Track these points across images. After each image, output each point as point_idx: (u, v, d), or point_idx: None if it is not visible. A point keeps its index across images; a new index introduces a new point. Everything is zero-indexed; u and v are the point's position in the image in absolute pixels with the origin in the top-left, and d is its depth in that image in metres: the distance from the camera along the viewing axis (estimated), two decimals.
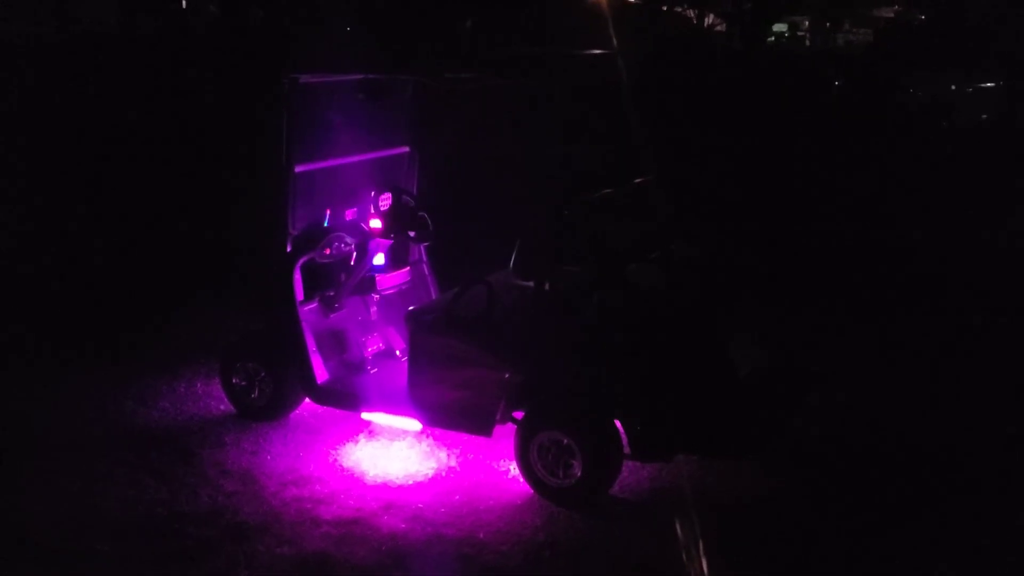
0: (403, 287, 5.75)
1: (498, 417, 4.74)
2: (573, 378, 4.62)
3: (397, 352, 5.63)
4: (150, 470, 4.99)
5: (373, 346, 5.57)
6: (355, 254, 5.50)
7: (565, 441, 4.56)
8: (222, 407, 5.73)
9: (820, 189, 9.67)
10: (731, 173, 8.64)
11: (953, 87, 17.89)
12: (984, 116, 17.58)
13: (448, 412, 4.85)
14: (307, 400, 5.52)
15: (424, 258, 5.97)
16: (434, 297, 6.05)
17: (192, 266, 8.24)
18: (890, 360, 6.48)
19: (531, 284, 4.69)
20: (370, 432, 5.38)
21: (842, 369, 6.16)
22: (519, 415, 4.78)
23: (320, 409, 5.53)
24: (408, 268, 5.79)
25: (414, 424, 5.04)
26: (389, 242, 5.42)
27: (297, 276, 5.27)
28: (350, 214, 5.63)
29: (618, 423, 4.59)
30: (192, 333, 6.94)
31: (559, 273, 4.67)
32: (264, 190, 5.38)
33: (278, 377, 5.42)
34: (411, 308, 4.99)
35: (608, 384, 4.54)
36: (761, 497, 4.69)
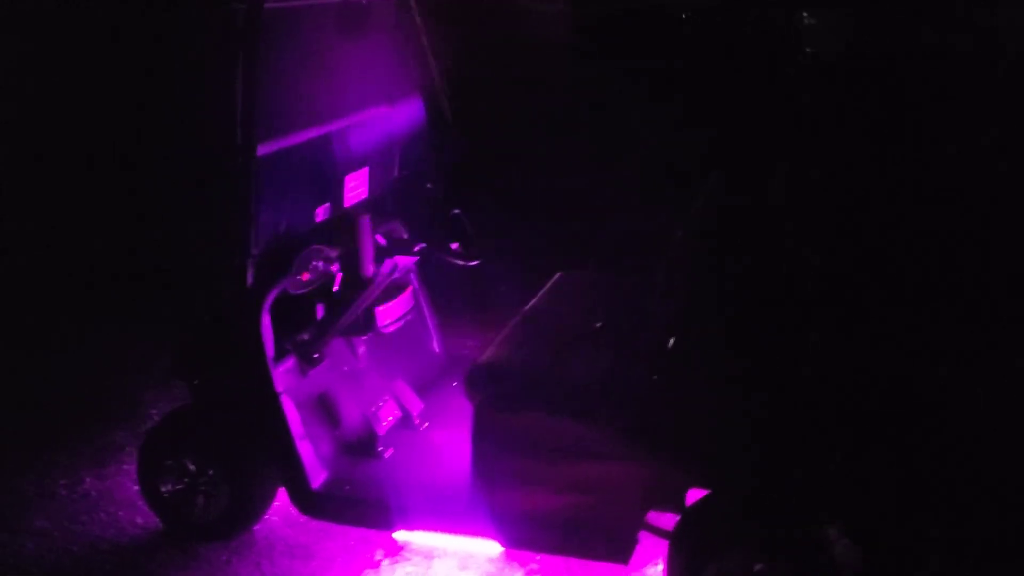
0: (408, 317, 3.85)
1: (638, 534, 3.03)
2: (770, 471, 2.94)
3: (415, 417, 3.77)
4: None
5: (387, 415, 3.68)
6: (340, 275, 3.57)
7: (759, 568, 2.91)
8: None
9: None
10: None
11: None
12: None
13: (552, 528, 3.08)
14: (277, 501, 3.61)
15: (414, 271, 4.08)
16: (432, 330, 4.21)
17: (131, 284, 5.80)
18: None
19: (688, 323, 2.96)
20: (392, 549, 3.52)
21: None
22: (658, 516, 3.10)
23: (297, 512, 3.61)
24: (410, 290, 3.88)
25: (490, 547, 3.24)
26: (411, 260, 3.51)
27: (266, 322, 3.30)
28: (322, 213, 3.67)
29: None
30: (122, 380, 4.73)
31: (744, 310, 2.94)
32: (206, 187, 3.36)
33: (239, 478, 3.46)
34: (474, 366, 3.15)
35: (826, 475, 2.91)
36: None
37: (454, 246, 3.50)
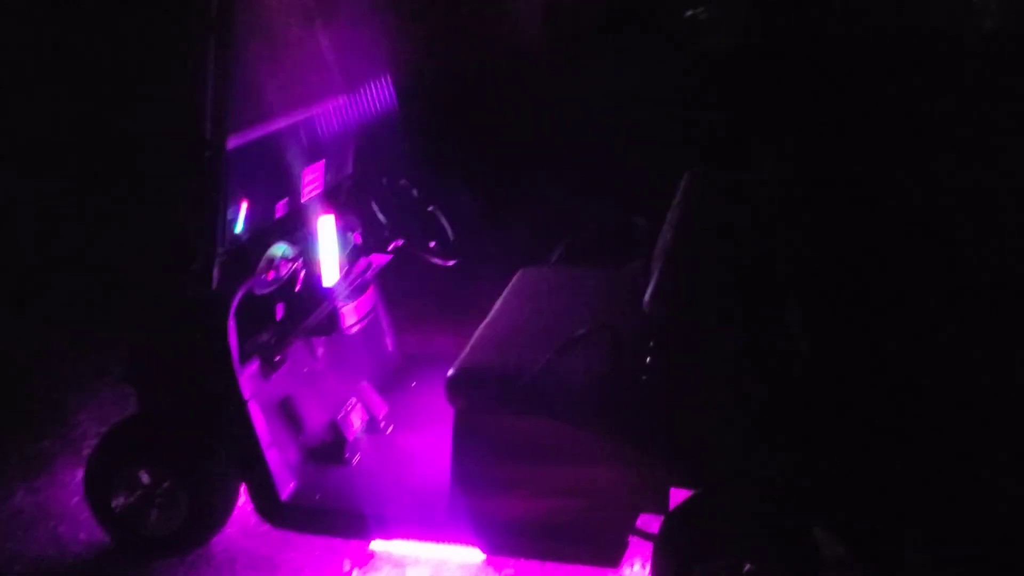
0: (370, 316, 3.72)
1: (628, 536, 3.00)
2: (759, 470, 2.94)
3: (380, 420, 3.64)
4: None
5: (356, 419, 3.54)
6: (303, 272, 3.42)
7: (747, 567, 2.91)
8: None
9: None
10: None
11: None
12: None
13: (539, 534, 3.01)
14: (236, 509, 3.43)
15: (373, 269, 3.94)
16: (385, 328, 4.08)
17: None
18: None
19: (683, 324, 2.92)
20: (361, 558, 3.39)
21: None
22: (646, 518, 3.07)
23: (258, 520, 3.45)
24: (372, 288, 3.75)
25: (466, 554, 3.15)
26: (386, 258, 3.37)
27: (232, 326, 3.12)
28: (281, 208, 3.51)
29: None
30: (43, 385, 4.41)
31: (723, 306, 2.93)
32: (163, 184, 3.15)
33: (198, 488, 3.27)
34: (456, 370, 3.04)
35: (814, 474, 2.92)
36: None
37: (432, 244, 3.39)
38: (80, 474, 3.81)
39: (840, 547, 2.99)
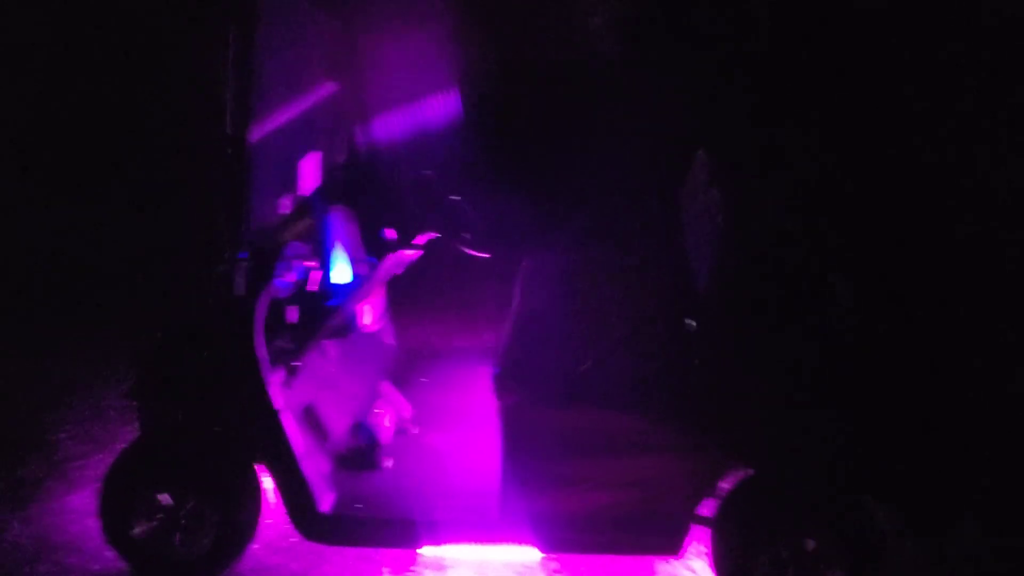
0: (387, 314, 3.56)
1: (690, 523, 2.94)
2: (814, 444, 2.91)
3: (407, 421, 3.49)
4: None
5: (386, 422, 3.38)
6: (319, 272, 3.24)
7: (811, 545, 2.90)
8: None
9: None
10: None
11: None
12: None
13: (600, 527, 2.93)
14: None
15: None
16: (388, 326, 3.91)
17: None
18: None
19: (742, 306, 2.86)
20: (399, 564, 3.25)
21: None
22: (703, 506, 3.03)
23: (283, 528, 3.30)
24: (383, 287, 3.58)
25: (527, 553, 3.04)
26: (416, 254, 3.21)
27: (260, 331, 2.94)
28: (286, 203, 3.31)
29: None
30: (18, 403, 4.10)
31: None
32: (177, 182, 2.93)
33: (226, 506, 3.07)
34: (504, 367, 2.92)
35: (866, 444, 2.92)
36: None
37: (467, 236, 3.24)
38: (74, 500, 3.61)
39: (894, 516, 3.00)
